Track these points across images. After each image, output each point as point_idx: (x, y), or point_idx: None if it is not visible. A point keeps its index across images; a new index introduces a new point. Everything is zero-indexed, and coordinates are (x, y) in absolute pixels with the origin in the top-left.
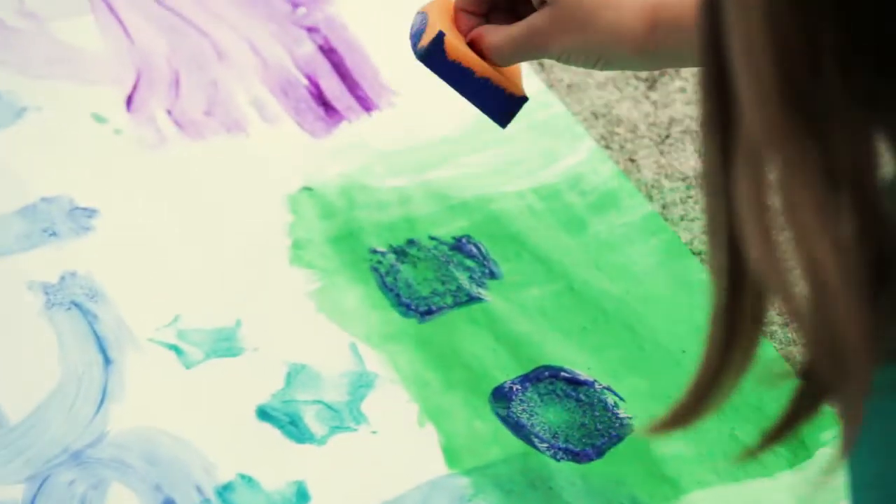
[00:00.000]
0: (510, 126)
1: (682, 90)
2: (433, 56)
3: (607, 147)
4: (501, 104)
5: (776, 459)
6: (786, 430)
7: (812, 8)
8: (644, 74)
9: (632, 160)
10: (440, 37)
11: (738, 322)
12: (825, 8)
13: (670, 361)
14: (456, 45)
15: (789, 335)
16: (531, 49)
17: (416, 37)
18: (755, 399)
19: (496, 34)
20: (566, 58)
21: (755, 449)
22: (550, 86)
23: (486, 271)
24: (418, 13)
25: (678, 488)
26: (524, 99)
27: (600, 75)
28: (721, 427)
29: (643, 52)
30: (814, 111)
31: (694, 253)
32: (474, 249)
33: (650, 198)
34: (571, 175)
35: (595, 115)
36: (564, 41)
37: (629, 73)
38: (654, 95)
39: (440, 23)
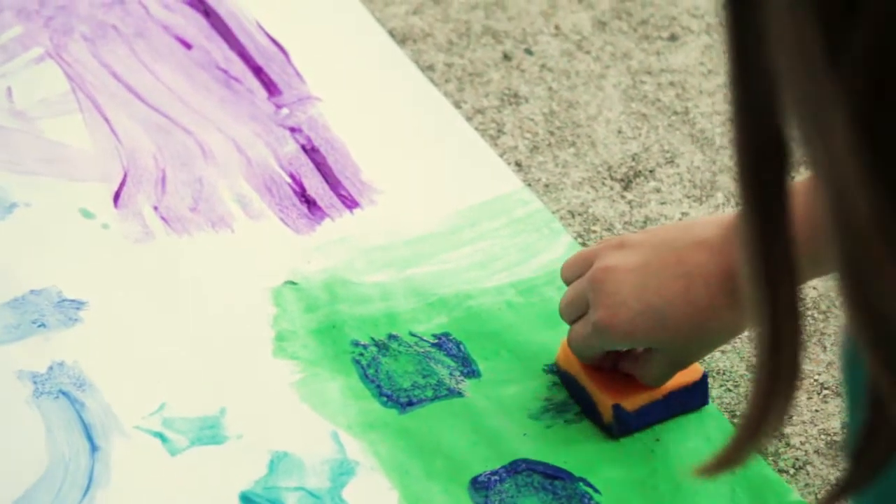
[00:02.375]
0: (489, 223)
1: (657, 190)
2: (626, 424)
3: (584, 245)
4: (694, 396)
5: None
6: (857, 485)
7: None
8: (619, 175)
9: None
10: (618, 409)
11: (780, 369)
12: None
13: (644, 451)
14: (632, 400)
15: None
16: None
17: (593, 415)
18: (728, 490)
19: (644, 381)
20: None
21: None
22: (528, 184)
23: (466, 370)
24: (560, 372)
25: None
26: (705, 375)
27: (576, 175)
28: None
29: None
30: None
31: None
32: (454, 348)
33: None
34: (549, 270)
35: (572, 214)
36: (693, 359)
37: (604, 173)
38: (629, 195)
39: (597, 388)
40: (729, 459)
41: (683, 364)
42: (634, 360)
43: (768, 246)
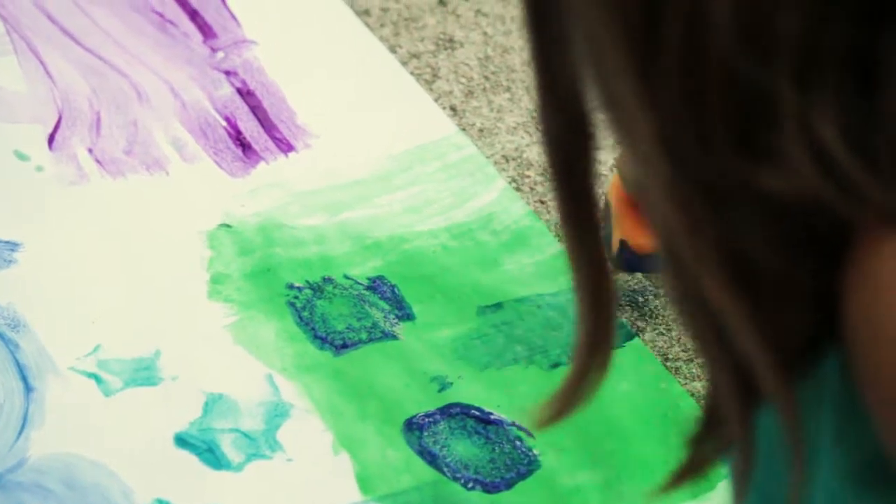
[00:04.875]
0: (423, 167)
1: None
2: (627, 262)
3: (518, 189)
4: None
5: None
6: (691, 472)
7: None
8: None
9: (542, 202)
10: (623, 245)
11: (601, 327)
12: None
13: None
14: (641, 243)
15: (693, 370)
16: None
17: (608, 244)
18: (661, 431)
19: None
20: None
21: (664, 487)
22: (463, 129)
23: (401, 313)
24: (605, 202)
25: None
26: None
27: (510, 120)
28: (628, 453)
29: None
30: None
31: None
32: (388, 292)
33: (559, 237)
34: (483, 214)
35: (506, 159)
36: None
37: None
38: None
39: (618, 220)
40: (556, 411)
41: None
42: None
43: (576, 211)
